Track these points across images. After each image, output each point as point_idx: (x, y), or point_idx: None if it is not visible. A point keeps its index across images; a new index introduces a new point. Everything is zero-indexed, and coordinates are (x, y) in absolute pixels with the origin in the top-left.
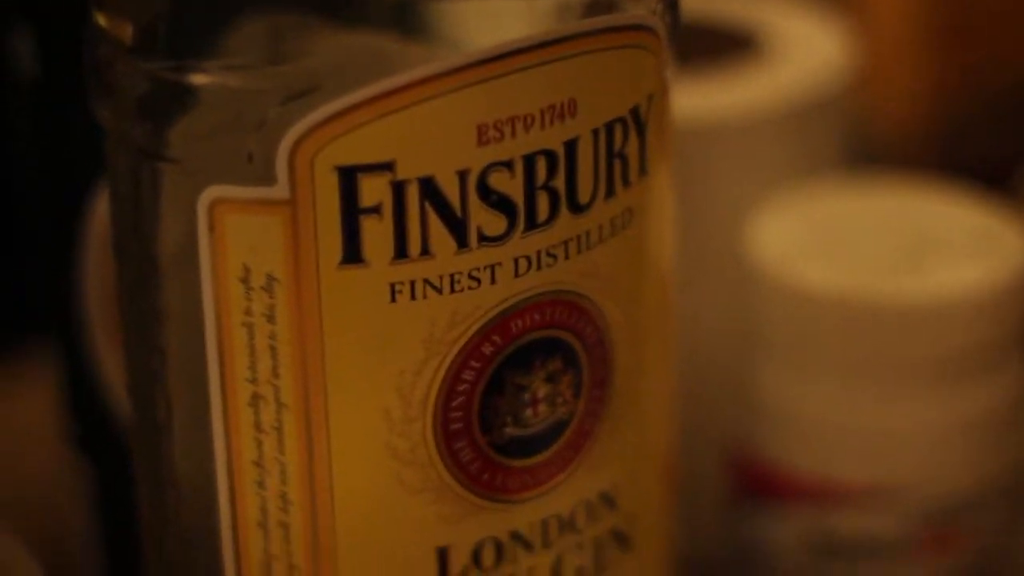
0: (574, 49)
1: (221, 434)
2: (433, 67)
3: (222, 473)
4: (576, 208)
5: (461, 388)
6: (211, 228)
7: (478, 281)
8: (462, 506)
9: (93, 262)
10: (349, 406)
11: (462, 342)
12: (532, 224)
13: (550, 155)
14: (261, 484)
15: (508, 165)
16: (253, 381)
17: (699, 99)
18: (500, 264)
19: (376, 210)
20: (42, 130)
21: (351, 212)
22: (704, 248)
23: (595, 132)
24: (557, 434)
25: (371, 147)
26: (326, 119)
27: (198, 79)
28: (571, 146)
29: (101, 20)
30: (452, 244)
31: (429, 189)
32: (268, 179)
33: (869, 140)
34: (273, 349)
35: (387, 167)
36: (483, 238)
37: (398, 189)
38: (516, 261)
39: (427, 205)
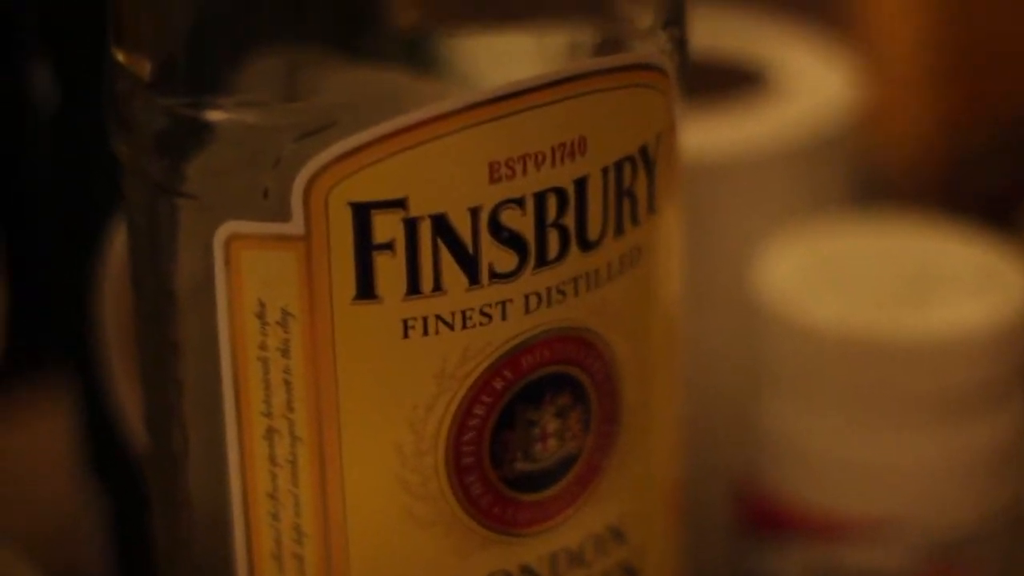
0: (585, 88)
1: (236, 466)
2: (446, 105)
3: (237, 505)
4: (586, 245)
5: (472, 423)
6: (227, 263)
7: (489, 317)
8: (473, 539)
9: (110, 293)
10: (362, 440)
11: (473, 377)
12: (543, 261)
13: (561, 193)
14: (275, 516)
15: (519, 202)
16: (268, 415)
17: (707, 135)
18: (511, 300)
19: (389, 246)
20: (60, 162)
21: (364, 248)
22: (711, 283)
23: (605, 170)
24: (566, 468)
25: (384, 184)
26: (340, 156)
27: (215, 115)
28: (581, 184)
29: (119, 56)
30: (464, 280)
31: (441, 226)
32: (283, 215)
33: (875, 176)
34: (288, 383)
35: (400, 204)
36: (494, 275)
37: (411, 226)
38: (527, 297)
39: (439, 242)
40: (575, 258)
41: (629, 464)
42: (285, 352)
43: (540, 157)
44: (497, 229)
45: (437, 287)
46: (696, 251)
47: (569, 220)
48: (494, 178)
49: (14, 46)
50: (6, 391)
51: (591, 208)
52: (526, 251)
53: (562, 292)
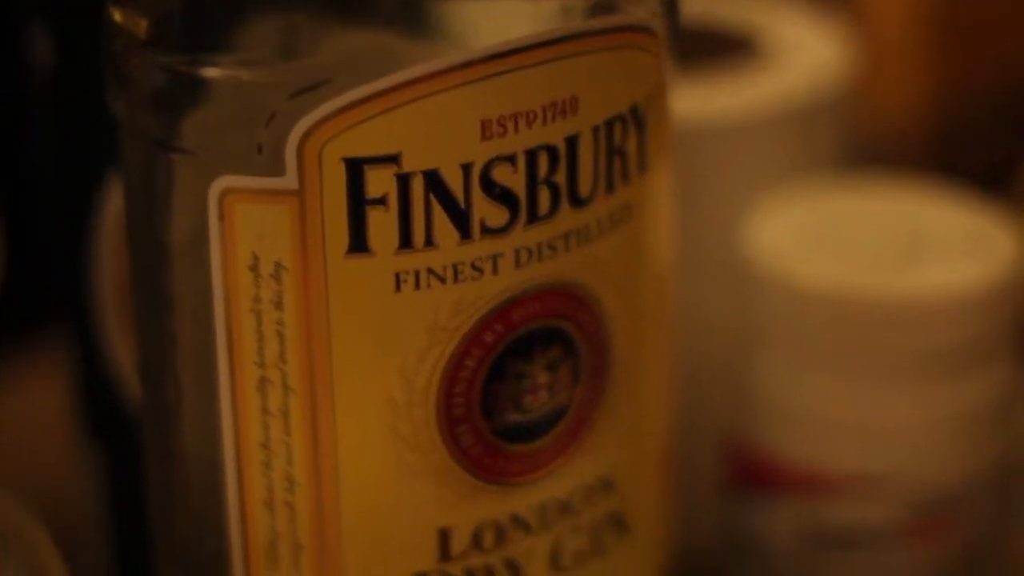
0: (576, 48)
1: (229, 417)
2: (439, 63)
3: (230, 455)
4: (577, 202)
5: (463, 375)
6: (221, 217)
7: (481, 271)
8: (463, 489)
9: (107, 251)
10: (354, 391)
11: (464, 330)
12: (534, 217)
13: (552, 150)
14: (268, 465)
15: (511, 159)
16: (261, 366)
17: (700, 101)
18: (502, 255)
19: (382, 201)
20: (58, 121)
21: (358, 203)
22: (703, 245)
23: (596, 129)
24: (556, 420)
25: (378, 140)
26: (334, 112)
27: (211, 72)
28: (572, 142)
29: (116, 14)
30: (456, 235)
31: (434, 181)
32: (277, 170)
33: (867, 142)
34: (280, 335)
35: (393, 160)
36: (486, 230)
37: (403, 181)
38: (518, 252)
39: (431, 197)
40: (566, 214)
41: (619, 417)
42: (278, 304)
43: (532, 115)
44: (489, 185)
45: (429, 241)
46: (689, 215)
47: (560, 177)
48: (486, 135)
49: (11, 6)
50: (3, 351)
51: (582, 166)
52: (517, 207)
53: (553, 247)
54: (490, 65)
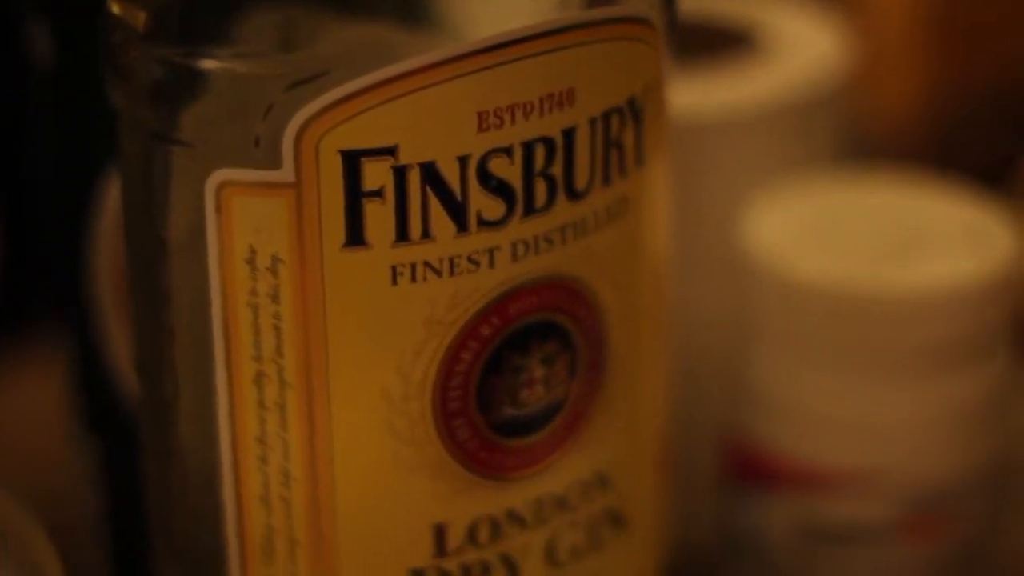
0: (573, 40)
1: (226, 411)
2: (435, 55)
3: (226, 449)
4: (573, 195)
5: (459, 368)
6: (218, 210)
7: (477, 264)
8: (459, 483)
9: (105, 244)
10: (350, 385)
11: (461, 324)
12: (530, 209)
13: (548, 142)
14: (264, 460)
15: (507, 151)
16: (257, 359)
17: (698, 95)
18: (499, 248)
19: (378, 194)
20: (56, 116)
21: (354, 195)
22: (700, 240)
23: (592, 121)
24: (552, 414)
25: (374, 132)
26: (331, 104)
27: (209, 65)
28: (569, 134)
29: (115, 7)
30: (452, 228)
31: (430, 174)
32: (274, 162)
33: (865, 137)
34: (277, 329)
35: (390, 152)
36: (482, 222)
37: (400, 173)
38: (514, 245)
39: (428, 189)
40: (562, 207)
41: (615, 412)
42: (275, 298)
43: (528, 107)
44: (485, 177)
45: (426, 234)
46: (686, 209)
47: (557, 169)
48: (483, 127)
49: (10, 1)
50: (1, 347)
51: (579, 158)
52: (514, 199)
53: (549, 240)
54: (487, 56)
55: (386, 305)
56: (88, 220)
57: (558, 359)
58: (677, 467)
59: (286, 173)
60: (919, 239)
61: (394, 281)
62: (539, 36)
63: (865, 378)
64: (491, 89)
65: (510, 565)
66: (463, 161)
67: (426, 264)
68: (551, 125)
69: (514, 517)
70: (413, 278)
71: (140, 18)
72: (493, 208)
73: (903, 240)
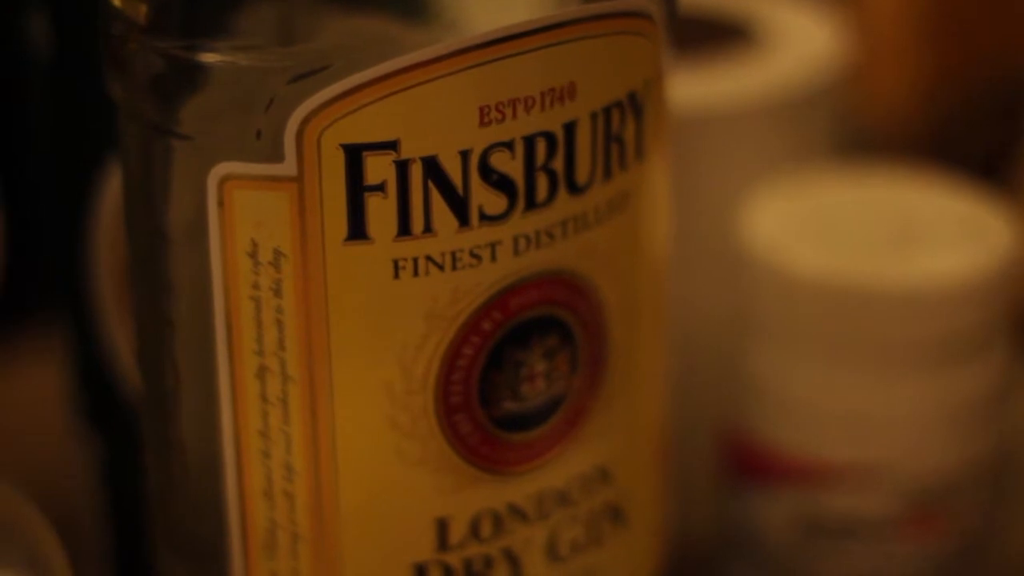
0: (574, 34)
1: (228, 405)
2: (437, 49)
3: (228, 443)
4: (574, 189)
5: (461, 363)
6: (220, 203)
7: (479, 258)
8: (461, 478)
9: (104, 236)
10: (353, 379)
11: (463, 318)
12: (531, 204)
13: (550, 137)
14: (266, 454)
15: (509, 146)
16: (260, 353)
17: (694, 88)
18: (500, 242)
19: (380, 188)
20: (55, 108)
21: (356, 189)
22: (698, 233)
23: (593, 115)
24: (553, 409)
25: (376, 126)
26: (333, 98)
27: (209, 58)
28: (570, 128)
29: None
30: (454, 222)
31: (432, 168)
32: (276, 156)
33: (861, 130)
34: (279, 322)
35: (391, 146)
36: (484, 216)
37: (402, 168)
38: (516, 240)
39: (430, 183)
40: (563, 201)
41: (616, 406)
42: (277, 292)
43: (530, 101)
44: (487, 172)
45: (428, 228)
46: (683, 203)
47: (558, 164)
48: (484, 122)
49: None
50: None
51: (580, 152)
52: (515, 194)
53: (550, 235)
54: (488, 51)
55: (388, 299)
56: (87, 212)
57: (559, 353)
58: (675, 462)
59: (288, 167)
60: (917, 233)
61: (396, 275)
62: (540, 31)
63: (863, 372)
64: (493, 83)
65: (512, 559)
66: (465, 155)
67: (428, 258)
68: (552, 119)
69: (516, 511)
70: (415, 272)
71: (141, 10)
72: (495, 202)
73: (901, 234)
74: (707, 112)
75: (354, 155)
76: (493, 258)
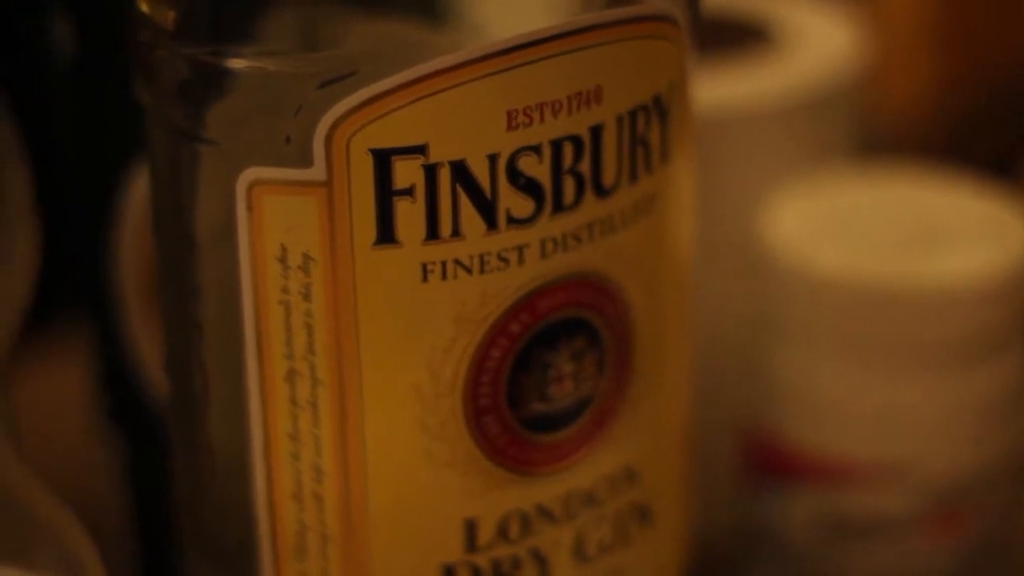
0: (600, 38)
1: (258, 408)
2: (465, 53)
3: (258, 445)
4: (601, 192)
5: (489, 365)
6: (249, 208)
7: (507, 262)
8: (489, 479)
9: (128, 238)
10: (382, 382)
11: (491, 321)
12: (559, 207)
13: (576, 140)
14: (296, 457)
15: (536, 149)
16: (289, 357)
17: (714, 90)
18: (528, 245)
19: (409, 192)
20: (79, 111)
21: (385, 194)
22: (719, 234)
23: (619, 119)
24: (581, 410)
25: (405, 131)
26: (362, 103)
27: (236, 64)
28: (596, 132)
29: (143, 5)
30: (482, 225)
31: (460, 172)
32: (305, 161)
33: (877, 132)
34: (309, 326)
35: (420, 150)
36: (512, 220)
37: (430, 172)
38: (543, 243)
39: (458, 187)
40: (590, 204)
41: (642, 407)
42: (306, 296)
43: (557, 105)
44: (514, 175)
45: (456, 232)
46: (705, 203)
47: (584, 167)
48: (512, 125)
49: None
50: (24, 338)
51: (606, 156)
52: (543, 197)
53: (577, 238)
54: (516, 55)
55: (417, 303)
56: (110, 214)
57: (586, 355)
58: (697, 462)
59: (317, 172)
60: (937, 233)
61: (424, 279)
62: (566, 35)
63: (884, 371)
64: (520, 88)
65: (540, 560)
66: (492, 159)
67: (456, 262)
68: (579, 123)
69: (543, 512)
70: (444, 276)
71: (169, 17)
72: (522, 206)
73: (921, 234)
74: (726, 114)
75: (383, 160)
76: (521, 261)
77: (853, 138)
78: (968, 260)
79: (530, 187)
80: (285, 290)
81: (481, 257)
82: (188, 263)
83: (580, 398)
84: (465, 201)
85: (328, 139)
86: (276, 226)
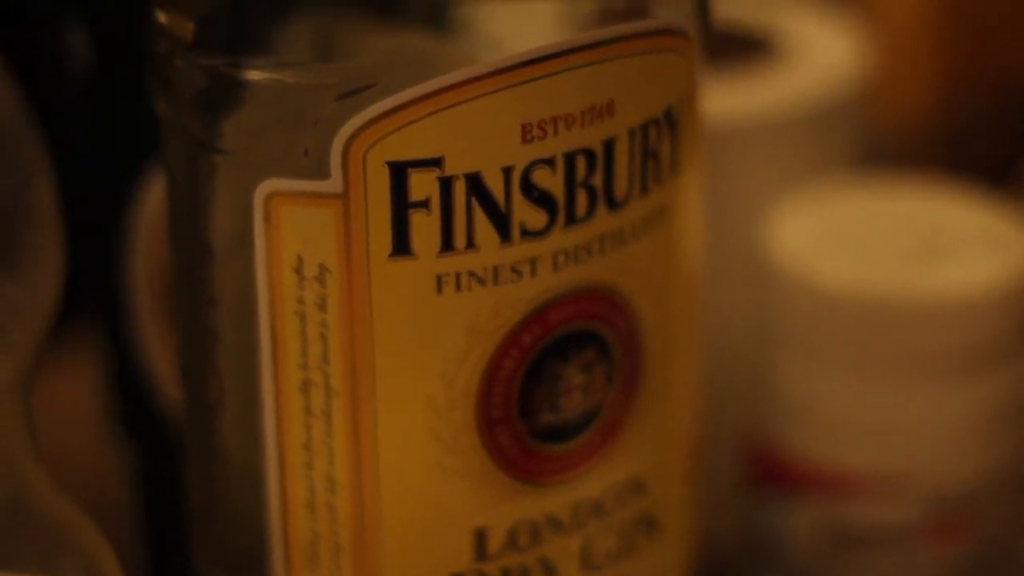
0: (613, 52)
1: (272, 417)
2: (481, 67)
3: (272, 455)
4: (613, 205)
5: (502, 376)
6: (266, 219)
7: (520, 274)
8: (500, 489)
9: (141, 246)
10: (396, 393)
11: (503, 332)
12: (571, 219)
13: (589, 153)
14: (309, 466)
15: (550, 163)
16: (304, 367)
17: (718, 101)
18: (540, 258)
19: (425, 204)
20: (93, 122)
21: (401, 206)
22: (724, 245)
23: (631, 132)
24: (590, 421)
25: (421, 144)
26: (378, 116)
27: (253, 75)
28: (609, 145)
29: (161, 17)
30: (496, 238)
31: (475, 185)
32: (322, 173)
33: (880, 142)
34: (324, 337)
35: (436, 163)
36: (525, 232)
37: (446, 184)
38: (555, 255)
39: (473, 200)
40: (602, 217)
41: (651, 418)
42: (322, 306)
43: (570, 119)
44: (528, 188)
45: (470, 244)
46: (710, 214)
47: (597, 180)
48: (526, 139)
49: (50, 7)
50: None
51: (618, 169)
52: (556, 210)
53: (589, 250)
54: (531, 69)
55: (431, 314)
56: (123, 222)
57: (596, 366)
58: (701, 471)
59: (334, 184)
60: (940, 243)
61: (439, 290)
62: (580, 49)
63: (887, 382)
64: (534, 101)
65: (548, 569)
66: (507, 172)
67: (470, 273)
68: (592, 136)
69: (552, 521)
70: (458, 287)
71: (187, 28)
72: (536, 218)
73: (924, 244)
74: (729, 126)
75: (399, 172)
76: (533, 273)
77: (856, 149)
78: (970, 271)
79: (543, 200)
80: (301, 300)
81: (495, 269)
82: (204, 272)
83: (589, 409)
84: (480, 214)
85: (345, 151)
86: (293, 237)
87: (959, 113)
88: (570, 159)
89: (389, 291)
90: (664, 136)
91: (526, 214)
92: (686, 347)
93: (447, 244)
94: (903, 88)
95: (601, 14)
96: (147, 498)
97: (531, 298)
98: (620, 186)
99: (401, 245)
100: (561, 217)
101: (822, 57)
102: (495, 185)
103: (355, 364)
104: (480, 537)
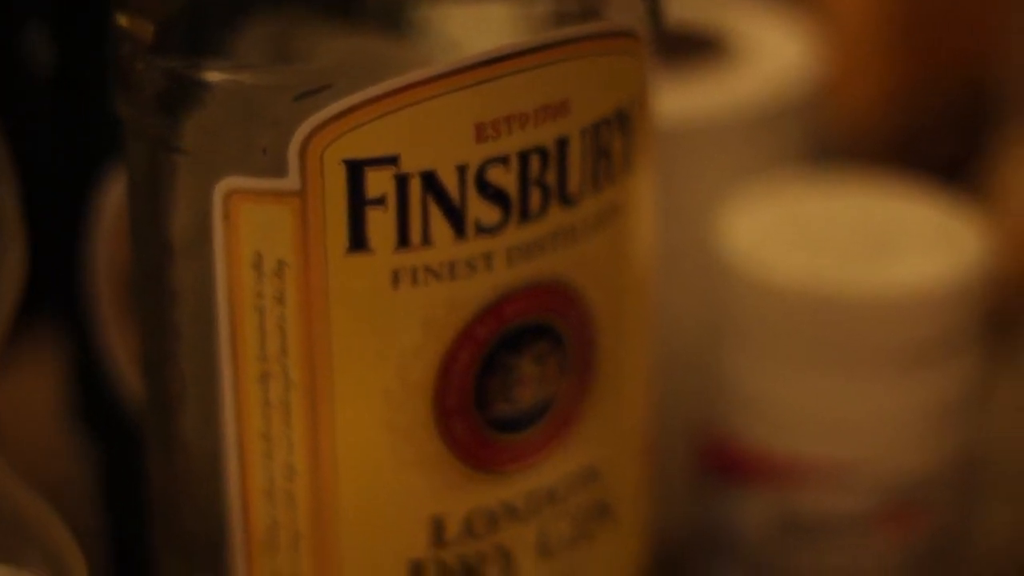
0: (566, 53)
1: (231, 409)
2: (436, 68)
3: (231, 445)
4: (566, 202)
5: (457, 368)
6: (226, 216)
7: (475, 269)
8: (456, 478)
9: (102, 244)
10: (353, 384)
11: (459, 326)
12: (525, 216)
13: (543, 152)
14: (268, 455)
15: (504, 161)
16: (263, 359)
17: (671, 101)
18: (495, 253)
19: (381, 201)
20: (55, 119)
21: (358, 203)
22: (678, 242)
23: (584, 131)
24: (544, 411)
25: (377, 142)
26: (335, 116)
27: (212, 76)
28: (562, 144)
29: (122, 19)
30: (451, 234)
31: (431, 182)
32: (280, 171)
33: (832, 142)
34: (282, 330)
35: (392, 161)
36: (480, 228)
37: (402, 182)
38: (510, 251)
39: (428, 197)
40: (555, 214)
41: (603, 408)
42: (280, 300)
43: (524, 118)
44: (483, 186)
45: (426, 240)
46: (663, 212)
47: (551, 178)
48: (481, 138)
49: (13, 10)
50: None
51: (571, 167)
52: (510, 206)
53: (542, 246)
54: (485, 70)
55: (387, 308)
56: (85, 221)
57: (549, 358)
58: (654, 463)
59: (292, 181)
60: (891, 239)
61: (395, 285)
62: (535, 50)
63: (838, 375)
64: (489, 101)
65: (505, 555)
66: (462, 170)
67: (426, 268)
68: (545, 135)
69: (508, 509)
70: (414, 282)
71: (148, 31)
72: (490, 215)
73: (875, 240)
74: (682, 125)
75: (356, 170)
76: (488, 268)
77: (809, 148)
78: (921, 266)
79: (498, 197)
80: (259, 295)
81: (450, 264)
82: (165, 269)
83: (543, 400)
84: (435, 210)
85: (303, 150)
86: (252, 234)
87: (911, 112)
88: (524, 157)
89: (346, 285)
90: (616, 135)
91: (481, 211)
92: (639, 340)
93: (403, 240)
94: (855, 87)
95: (555, 16)
96: (109, 489)
97: (486, 292)
98: (573, 184)
99: (358, 241)
100: (515, 214)
101: (774, 57)
102: (450, 183)
103: (313, 356)
104: (437, 525)
